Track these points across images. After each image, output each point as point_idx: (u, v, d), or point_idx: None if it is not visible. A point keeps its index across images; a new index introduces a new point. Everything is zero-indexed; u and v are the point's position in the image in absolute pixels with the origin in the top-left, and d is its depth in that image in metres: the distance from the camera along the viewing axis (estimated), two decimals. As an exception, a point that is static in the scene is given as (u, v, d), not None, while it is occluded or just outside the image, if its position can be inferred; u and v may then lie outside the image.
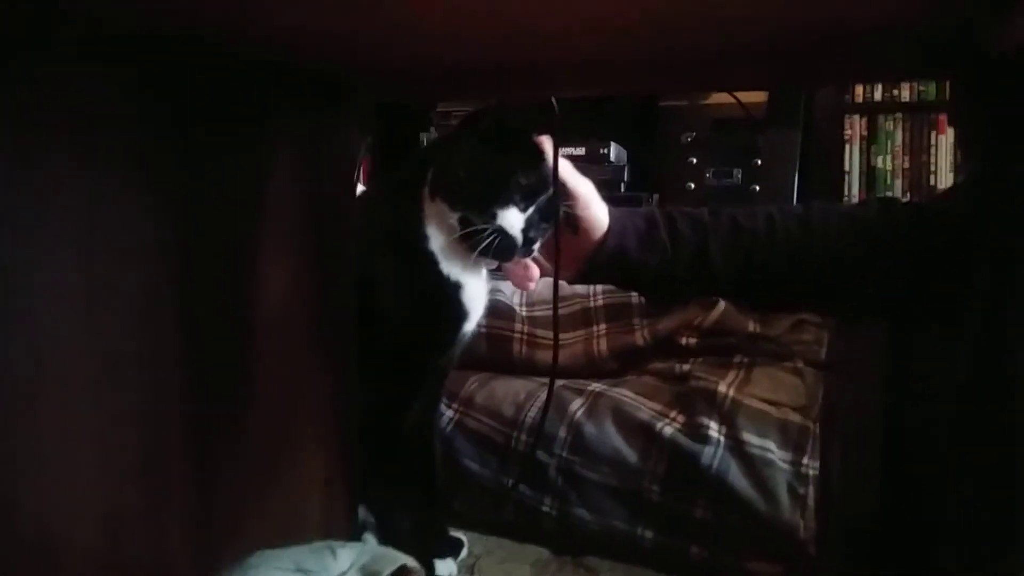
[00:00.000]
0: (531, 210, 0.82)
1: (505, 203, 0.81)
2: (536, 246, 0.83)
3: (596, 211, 0.86)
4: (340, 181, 0.81)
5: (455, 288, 0.87)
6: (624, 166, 2.42)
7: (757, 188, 2.26)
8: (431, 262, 0.86)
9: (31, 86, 0.47)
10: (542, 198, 0.82)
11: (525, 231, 0.82)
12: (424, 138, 2.75)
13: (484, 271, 0.91)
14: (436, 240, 0.85)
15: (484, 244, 0.80)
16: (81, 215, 0.50)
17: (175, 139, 0.58)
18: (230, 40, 0.58)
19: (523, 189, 0.81)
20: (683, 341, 1.13)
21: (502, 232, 0.81)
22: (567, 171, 0.85)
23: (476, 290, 0.90)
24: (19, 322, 0.47)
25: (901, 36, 0.58)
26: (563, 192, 0.84)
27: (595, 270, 0.86)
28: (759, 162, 2.27)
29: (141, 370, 0.55)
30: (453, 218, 0.83)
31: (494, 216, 0.81)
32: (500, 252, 0.82)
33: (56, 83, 0.48)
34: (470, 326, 0.91)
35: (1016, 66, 0.53)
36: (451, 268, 0.86)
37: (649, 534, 0.96)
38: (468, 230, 0.81)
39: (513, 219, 0.81)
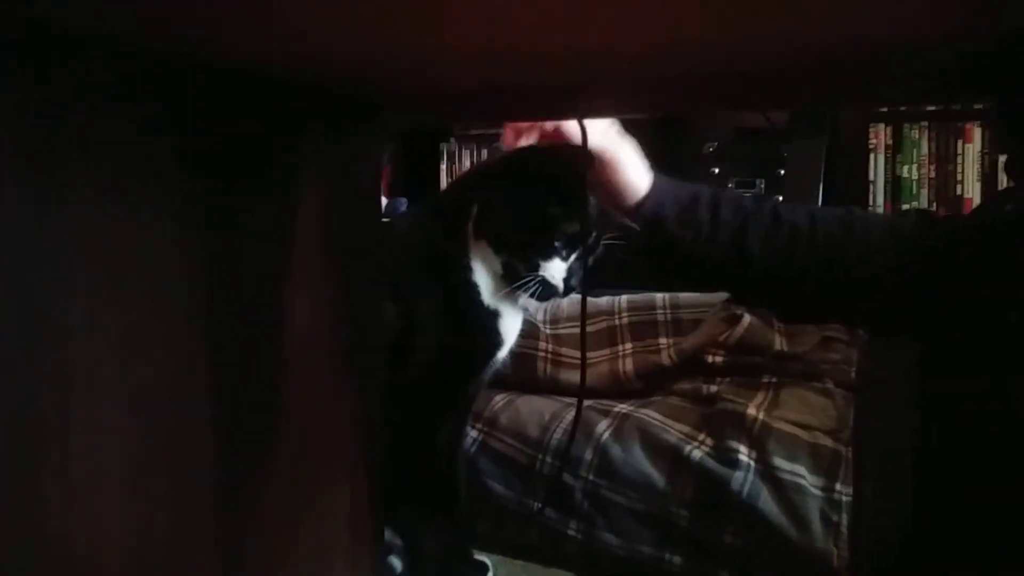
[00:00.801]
0: (573, 257, 0.84)
1: (549, 255, 0.83)
2: (576, 289, 0.86)
3: (632, 176, 0.86)
4: (367, 203, 0.80)
5: (494, 317, 0.90)
6: (646, 176, 2.42)
7: (780, 198, 2.24)
8: (473, 292, 0.88)
9: (53, 123, 0.46)
10: (584, 243, 0.84)
11: (567, 279, 0.84)
12: (443, 148, 2.76)
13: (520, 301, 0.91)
14: (479, 274, 0.88)
15: (527, 290, 0.83)
16: (109, 250, 0.50)
17: (201, 166, 0.57)
18: (255, 63, 0.58)
19: (566, 237, 0.83)
20: (709, 359, 1.11)
21: (545, 282, 0.83)
22: (607, 136, 0.85)
23: (513, 319, 0.92)
24: (50, 358, 0.46)
25: (939, 54, 0.56)
26: (600, 160, 0.84)
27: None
28: (783, 172, 2.25)
29: (171, 402, 0.54)
30: (496, 262, 0.86)
31: (537, 267, 0.83)
32: (542, 296, 0.84)
33: (79, 118, 0.48)
34: (504, 352, 0.94)
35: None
36: (491, 298, 0.89)
37: (677, 560, 0.94)
38: (511, 273, 0.85)
39: (556, 269, 0.84)
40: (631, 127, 0.94)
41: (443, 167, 2.76)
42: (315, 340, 0.71)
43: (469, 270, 0.88)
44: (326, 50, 0.55)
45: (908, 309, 0.90)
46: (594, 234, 0.85)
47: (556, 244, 0.83)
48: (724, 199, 0.88)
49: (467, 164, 2.76)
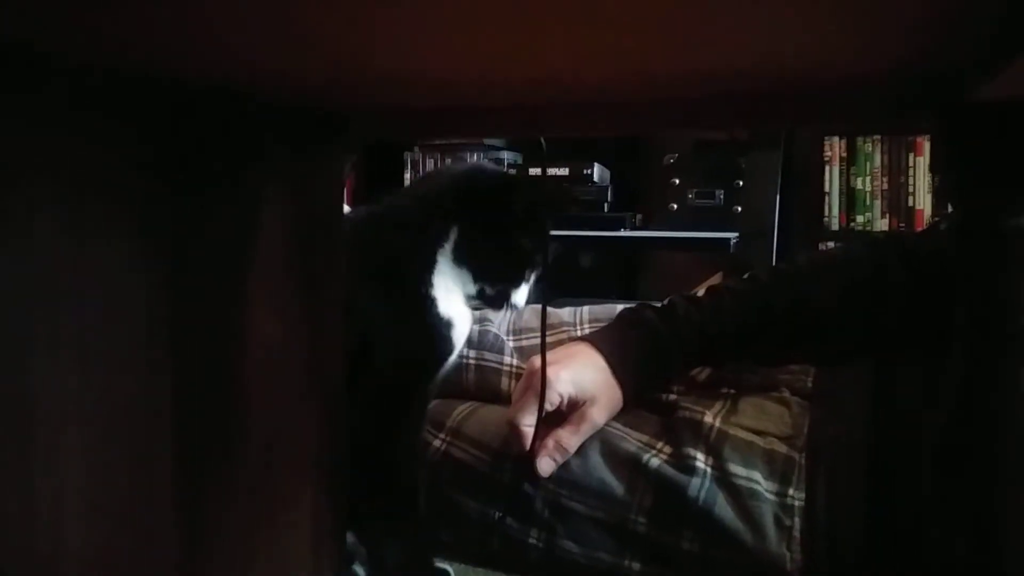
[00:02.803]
0: (533, 278, 0.92)
1: (520, 283, 0.91)
2: (552, 396, 0.94)
3: (608, 403, 0.97)
4: (330, 217, 0.81)
5: (448, 327, 0.92)
6: (607, 187, 2.45)
7: (739, 209, 2.29)
8: (431, 303, 0.90)
9: (12, 141, 0.47)
10: (541, 266, 0.93)
11: (527, 298, 0.93)
12: (407, 157, 2.76)
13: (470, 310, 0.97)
14: (441, 289, 0.90)
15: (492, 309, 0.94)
16: (70, 268, 0.50)
17: (163, 182, 0.58)
18: (218, 80, 0.58)
19: (536, 265, 0.91)
20: (674, 389, 1.14)
21: (512, 304, 0.92)
22: (577, 385, 0.95)
23: (463, 327, 0.95)
24: (11, 375, 0.46)
25: (884, 85, 0.59)
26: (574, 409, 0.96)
27: None
28: (741, 183, 2.30)
29: (131, 419, 0.55)
30: (471, 286, 0.91)
31: (509, 294, 0.91)
32: (504, 309, 0.95)
33: (39, 136, 0.48)
34: (454, 357, 0.97)
35: (1001, 116, 0.54)
36: (448, 309, 0.91)
37: (636, 566, 0.96)
38: (480, 295, 0.92)
39: (522, 293, 0.92)
40: (593, 138, 1.04)
41: (407, 176, 2.76)
42: (276, 355, 0.71)
43: (431, 285, 0.89)
44: (290, 70, 0.56)
45: (862, 336, 0.95)
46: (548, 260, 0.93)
47: (528, 273, 0.91)
48: (683, 335, 0.99)
49: (431, 173, 2.76)
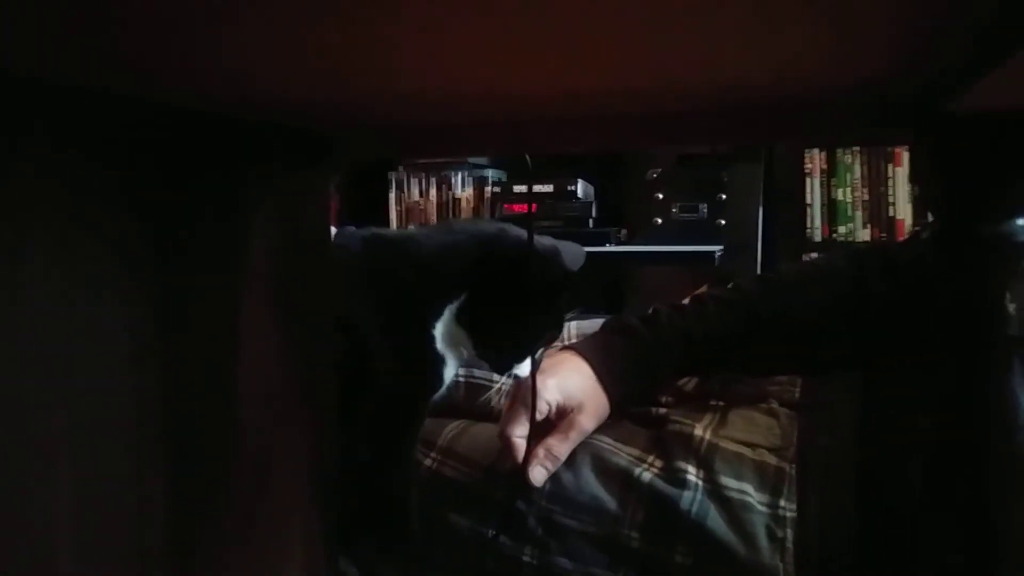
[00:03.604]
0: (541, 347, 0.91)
1: (525, 357, 0.89)
2: (541, 406, 0.93)
3: (595, 411, 0.97)
4: (318, 237, 0.81)
5: (440, 363, 0.93)
6: (591, 202, 2.46)
7: (723, 222, 2.31)
8: (429, 340, 0.91)
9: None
10: (554, 335, 0.93)
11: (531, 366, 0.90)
12: (392, 177, 2.77)
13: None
14: (441, 333, 0.91)
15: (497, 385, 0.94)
16: (59, 294, 0.50)
17: (151, 204, 0.58)
18: (204, 102, 0.59)
19: (545, 340, 0.91)
20: (663, 400, 1.14)
21: (514, 374, 0.92)
22: (564, 392, 0.95)
23: (453, 365, 0.97)
24: (2, 400, 0.46)
25: (863, 98, 0.60)
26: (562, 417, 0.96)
27: None
28: (724, 196, 2.32)
29: (123, 438, 0.54)
30: (470, 347, 0.92)
31: (511, 367, 0.91)
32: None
33: (29, 171, 0.48)
34: (443, 390, 0.99)
35: (978, 127, 0.55)
36: (443, 347, 0.93)
37: (630, 581, 0.96)
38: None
39: (526, 366, 0.90)
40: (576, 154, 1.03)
41: (391, 196, 2.77)
42: (266, 377, 0.71)
43: (432, 328, 0.90)
44: (274, 90, 0.57)
45: (846, 352, 0.96)
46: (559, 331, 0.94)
47: (536, 348, 0.89)
48: (668, 340, 1.00)
49: (415, 193, 2.77)
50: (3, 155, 0.47)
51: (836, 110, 0.62)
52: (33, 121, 0.48)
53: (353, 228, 1.04)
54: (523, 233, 0.90)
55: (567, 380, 0.97)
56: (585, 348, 1.02)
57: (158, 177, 0.58)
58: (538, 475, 0.96)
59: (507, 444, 0.96)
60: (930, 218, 0.68)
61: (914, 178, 2.04)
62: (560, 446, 0.95)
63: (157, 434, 0.57)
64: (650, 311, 1.04)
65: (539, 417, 0.95)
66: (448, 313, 0.90)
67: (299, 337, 0.75)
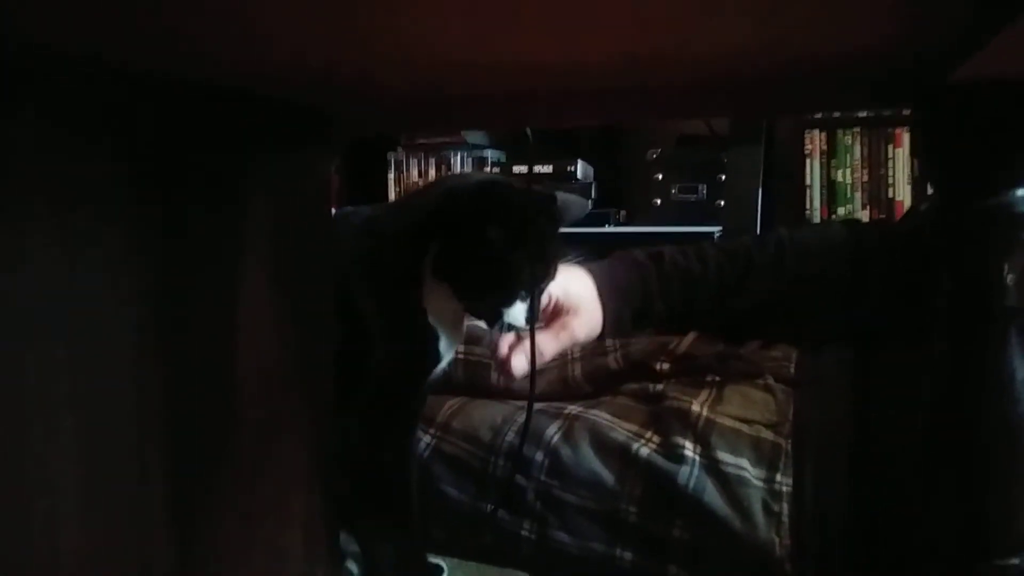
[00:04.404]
0: (532, 297, 0.86)
1: (511, 301, 0.84)
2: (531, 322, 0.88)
3: (590, 317, 0.96)
4: (317, 215, 0.81)
5: (434, 338, 0.91)
6: (591, 183, 2.46)
7: (722, 203, 2.31)
8: (419, 314, 0.89)
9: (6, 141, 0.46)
10: (544, 283, 0.87)
11: (527, 317, 0.86)
12: (391, 158, 2.76)
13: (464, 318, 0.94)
14: (430, 301, 0.89)
15: (490, 332, 0.87)
16: (63, 272, 0.50)
17: (150, 180, 0.58)
18: (203, 74, 0.58)
19: (528, 282, 0.84)
20: (657, 366, 1.14)
21: (506, 324, 0.85)
22: (564, 289, 0.93)
23: (454, 337, 0.95)
24: (7, 376, 0.46)
25: (865, 68, 0.60)
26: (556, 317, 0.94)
27: None
28: (723, 177, 2.32)
29: (125, 418, 0.54)
30: (457, 304, 0.87)
31: (500, 314, 0.85)
32: (504, 330, 0.87)
33: (26, 136, 0.48)
34: (443, 366, 0.97)
35: (973, 98, 0.55)
36: (436, 320, 0.90)
37: (628, 555, 0.97)
38: (471, 312, 0.88)
39: (517, 312, 0.85)
40: (575, 135, 1.00)
41: (391, 176, 2.76)
42: (266, 354, 0.71)
43: (418, 297, 0.88)
44: (277, 57, 0.56)
45: (843, 316, 0.96)
46: (552, 272, 0.87)
47: (519, 291, 0.84)
48: (668, 273, 0.99)
49: (415, 174, 2.77)
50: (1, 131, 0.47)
51: (836, 82, 0.62)
52: (31, 96, 0.48)
53: (349, 208, 1.03)
54: (514, 183, 0.89)
55: (569, 283, 0.96)
56: (590, 267, 1.02)
57: (158, 153, 0.58)
58: (519, 364, 0.94)
59: (496, 342, 0.95)
60: (930, 192, 0.68)
61: (914, 150, 2.03)
62: (548, 343, 0.94)
63: (158, 408, 0.57)
64: (654, 249, 1.05)
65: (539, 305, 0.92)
66: (427, 274, 0.87)
67: (298, 312, 0.75)
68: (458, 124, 0.87)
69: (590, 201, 2.43)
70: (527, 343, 0.92)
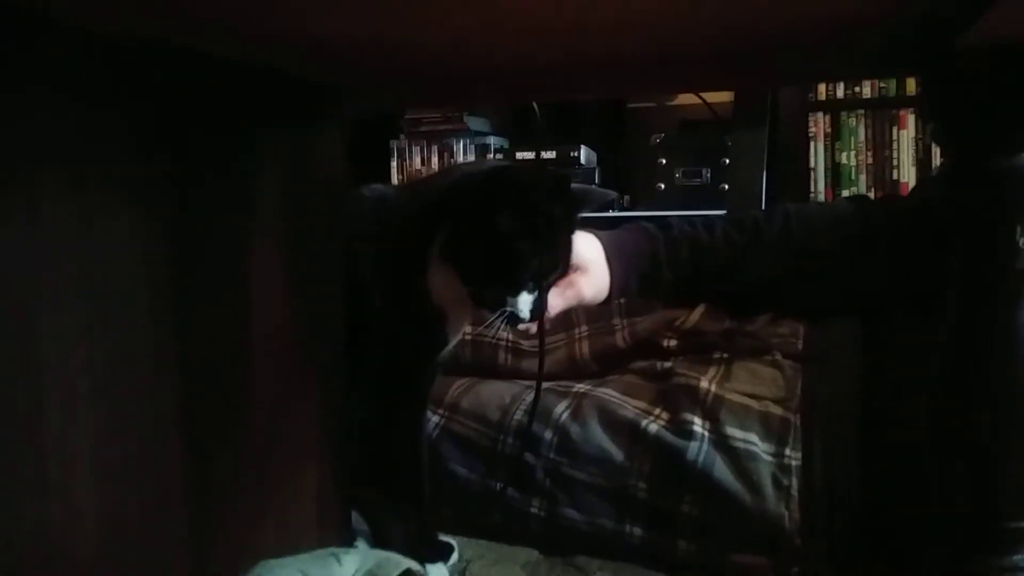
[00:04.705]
0: (539, 289, 0.84)
1: (516, 291, 0.83)
2: (538, 315, 0.87)
3: (598, 279, 0.95)
4: (327, 190, 0.81)
5: (440, 319, 0.91)
6: (594, 168, 2.45)
7: (726, 187, 2.30)
8: (424, 296, 0.88)
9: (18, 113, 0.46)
10: (553, 276, 0.85)
11: (532, 309, 0.84)
12: (393, 146, 2.75)
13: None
14: (435, 284, 0.88)
15: (492, 318, 0.83)
16: (76, 237, 0.50)
17: (162, 151, 0.58)
18: (221, 44, 0.58)
19: (535, 272, 0.83)
20: (663, 343, 1.14)
21: (511, 314, 0.83)
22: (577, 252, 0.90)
23: (459, 321, 0.94)
24: (22, 339, 0.47)
25: (870, 32, 0.60)
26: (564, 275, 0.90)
27: None
28: (727, 161, 2.31)
29: (140, 384, 0.55)
30: (462, 288, 0.85)
31: (504, 302, 0.83)
32: (507, 322, 0.84)
33: (43, 103, 0.48)
34: (450, 347, 0.96)
35: (983, 61, 0.55)
36: (441, 303, 0.89)
37: (637, 531, 0.97)
38: (476, 299, 0.85)
39: (523, 303, 0.83)
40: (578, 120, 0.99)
41: (393, 164, 2.75)
42: (276, 325, 0.72)
43: (424, 280, 0.87)
44: (284, 36, 0.56)
45: (850, 292, 0.96)
46: (561, 264, 0.86)
47: (526, 280, 0.83)
48: (677, 240, 0.98)
49: (417, 161, 2.76)
50: (17, 94, 0.47)
51: (843, 49, 0.61)
52: (43, 66, 0.48)
53: (363, 188, 1.02)
54: (527, 170, 0.87)
55: (578, 244, 0.94)
56: (598, 232, 1.01)
57: (169, 123, 0.58)
58: (555, 303, 0.92)
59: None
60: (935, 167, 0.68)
61: (926, 114, 2.02)
62: (555, 299, 0.92)
63: (173, 374, 0.57)
64: (665, 220, 1.04)
65: None
66: (434, 258, 0.87)
67: (309, 286, 0.75)
68: (465, 98, 0.86)
69: (594, 186, 2.43)
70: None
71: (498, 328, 0.84)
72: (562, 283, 0.92)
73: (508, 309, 0.83)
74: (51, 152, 0.49)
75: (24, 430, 0.47)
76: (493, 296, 0.84)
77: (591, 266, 0.95)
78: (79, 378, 0.50)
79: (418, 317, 0.90)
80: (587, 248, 0.95)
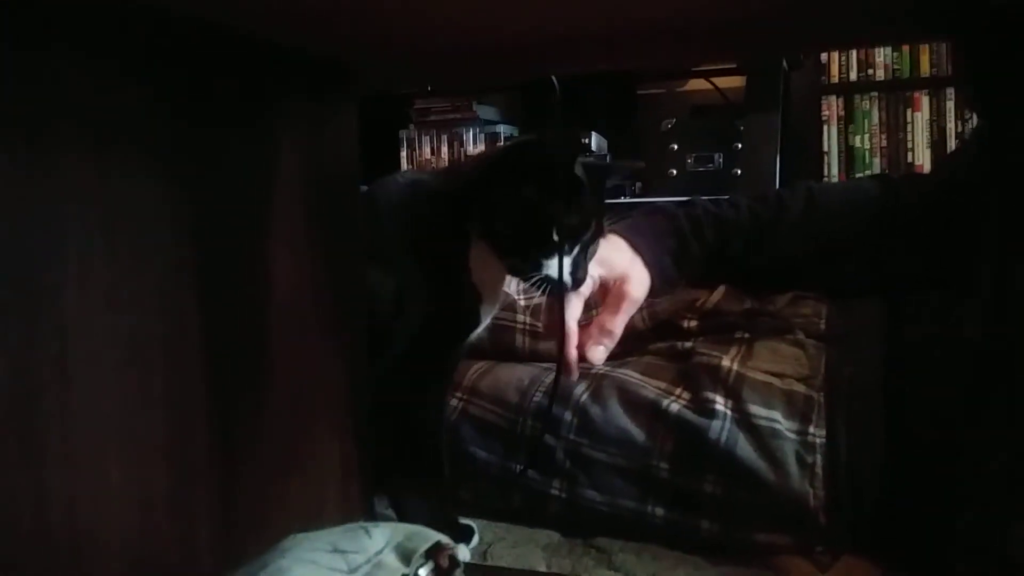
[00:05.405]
0: (576, 250, 0.84)
1: (550, 252, 0.83)
2: (586, 284, 0.87)
3: (638, 277, 0.96)
4: (346, 167, 0.80)
5: (475, 299, 0.92)
6: (606, 155, 2.44)
7: (739, 172, 2.29)
8: (463, 276, 0.89)
9: (39, 86, 0.46)
10: (586, 236, 0.85)
11: (573, 272, 0.84)
12: (403, 135, 2.75)
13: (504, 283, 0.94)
14: (476, 265, 0.89)
15: (536, 288, 0.85)
16: (99, 209, 0.50)
17: (185, 128, 0.57)
18: (235, 18, 0.58)
19: (566, 231, 0.83)
20: (684, 324, 1.13)
21: (550, 279, 0.83)
22: (595, 268, 0.90)
23: (492, 303, 0.95)
24: (47, 310, 0.46)
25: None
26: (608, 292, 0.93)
27: None
28: (739, 146, 2.30)
29: (165, 356, 0.55)
30: (499, 264, 0.87)
31: (541, 265, 0.83)
32: (552, 292, 0.85)
33: (63, 79, 0.48)
34: (480, 329, 0.97)
35: (1021, 18, 0.54)
36: (480, 282, 0.91)
37: (659, 511, 0.96)
38: (516, 272, 0.87)
39: (557, 265, 0.83)
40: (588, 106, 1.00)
41: (403, 154, 2.75)
42: (299, 301, 0.71)
43: (466, 260, 0.89)
44: (299, 10, 0.55)
45: (873, 271, 0.95)
46: (593, 224, 0.86)
47: (556, 240, 0.83)
48: (698, 217, 0.99)
49: (427, 151, 2.76)
50: (36, 63, 0.46)
51: (871, 9, 0.60)
52: (64, 29, 0.48)
53: (395, 174, 1.04)
54: (547, 140, 0.89)
55: (606, 254, 0.94)
56: (621, 228, 1.01)
57: (189, 90, 0.58)
58: (598, 355, 0.94)
59: (564, 333, 0.90)
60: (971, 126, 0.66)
61: (958, 79, 2.00)
62: (613, 320, 0.93)
63: (196, 342, 0.57)
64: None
65: (586, 292, 0.92)
66: (473, 236, 0.88)
67: (330, 261, 0.75)
68: (477, 75, 0.85)
69: (605, 173, 2.41)
70: (594, 329, 0.93)
71: (542, 289, 0.85)
72: (611, 300, 0.94)
73: (545, 273, 0.84)
74: (75, 112, 0.49)
75: (50, 402, 0.47)
76: (528, 261, 0.85)
77: (628, 268, 0.96)
78: (103, 337, 0.49)
79: (458, 296, 0.91)
80: (616, 254, 0.96)
